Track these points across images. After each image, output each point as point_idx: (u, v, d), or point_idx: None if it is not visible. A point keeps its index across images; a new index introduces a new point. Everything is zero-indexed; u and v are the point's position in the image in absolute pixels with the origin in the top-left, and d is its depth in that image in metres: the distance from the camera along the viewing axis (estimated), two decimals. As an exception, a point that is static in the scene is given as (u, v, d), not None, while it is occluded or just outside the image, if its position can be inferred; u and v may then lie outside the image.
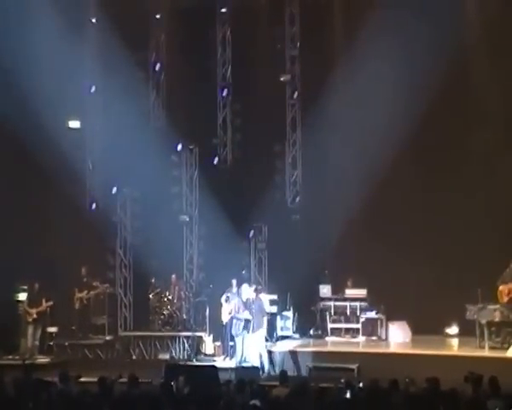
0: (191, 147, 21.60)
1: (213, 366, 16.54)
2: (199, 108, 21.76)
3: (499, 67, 20.06)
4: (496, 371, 12.46)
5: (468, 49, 20.45)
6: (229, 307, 18.53)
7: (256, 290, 18.22)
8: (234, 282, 19.06)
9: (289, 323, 20.54)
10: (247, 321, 17.90)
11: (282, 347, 18.81)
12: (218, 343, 19.19)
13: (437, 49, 20.25)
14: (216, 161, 22.16)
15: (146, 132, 21.02)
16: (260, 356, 17.59)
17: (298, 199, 22.52)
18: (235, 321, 18.08)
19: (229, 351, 18.66)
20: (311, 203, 22.20)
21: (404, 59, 20.06)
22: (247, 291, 18.30)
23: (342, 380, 12.70)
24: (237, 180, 21.79)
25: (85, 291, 20.53)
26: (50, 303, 19.00)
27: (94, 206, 20.78)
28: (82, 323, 20.29)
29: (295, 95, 22.61)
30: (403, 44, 19.86)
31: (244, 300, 18.17)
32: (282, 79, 22.64)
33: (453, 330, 20.17)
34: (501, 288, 19.04)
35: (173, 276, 21.11)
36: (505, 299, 18.90)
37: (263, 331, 17.92)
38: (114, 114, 20.87)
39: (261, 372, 16.76)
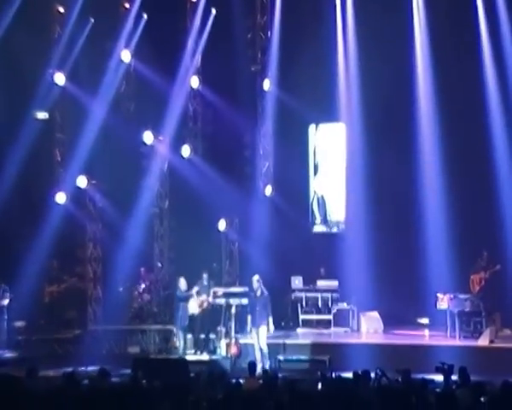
0: (161, 138, 21.47)
1: (183, 360, 16.49)
2: (169, 98, 21.57)
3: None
4: (467, 361, 12.58)
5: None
6: (200, 300, 18.56)
7: (259, 283, 17.76)
8: (205, 275, 19.03)
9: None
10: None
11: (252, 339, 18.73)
12: (189, 336, 19.08)
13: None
14: (186, 151, 21.98)
15: (115, 123, 20.81)
16: (260, 351, 17.38)
17: (269, 190, 22.44)
18: (180, 314, 18.04)
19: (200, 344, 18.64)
20: (282, 194, 22.19)
21: (376, 48, 20.12)
22: (183, 285, 18.34)
23: (313, 372, 12.72)
24: (208, 171, 21.66)
25: (56, 285, 20.39)
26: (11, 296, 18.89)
27: (63, 198, 20.54)
28: (51, 317, 20.15)
29: (267, 85, 22.49)
30: (376, 34, 19.93)
31: None
32: (253, 69, 22.55)
33: (425, 320, 20.23)
34: (472, 277, 19.22)
35: (142, 269, 21.03)
36: (476, 288, 19.10)
37: (265, 328, 17.49)
38: (83, 104, 20.66)
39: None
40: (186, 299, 18.35)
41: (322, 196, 22.85)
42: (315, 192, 22.91)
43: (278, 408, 9.33)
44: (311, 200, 22.86)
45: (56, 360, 16.91)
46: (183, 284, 18.42)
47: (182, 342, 18.10)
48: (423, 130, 20.84)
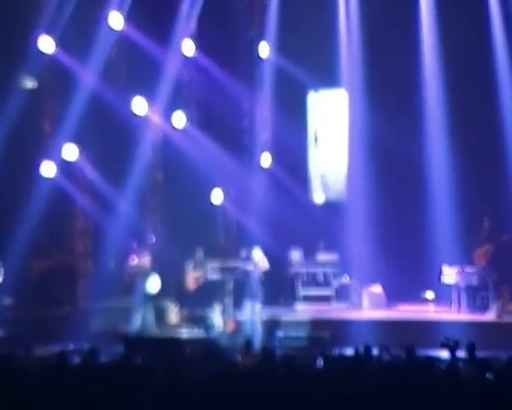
0: (154, 107, 21.34)
1: (177, 339, 16.48)
2: (163, 65, 21.42)
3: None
4: (473, 336, 12.57)
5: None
6: (196, 275, 18.54)
7: (256, 259, 17.75)
8: (200, 249, 18.99)
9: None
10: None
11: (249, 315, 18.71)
12: (185, 313, 19.07)
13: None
14: (181, 121, 21.84)
15: (106, 92, 20.67)
16: (254, 328, 17.39)
17: (267, 160, 22.35)
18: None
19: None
20: (281, 164, 22.12)
21: (380, 9, 20.04)
22: (146, 262, 18.35)
23: (313, 349, 12.69)
24: (204, 141, 21.57)
25: (44, 260, 20.33)
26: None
27: (52, 170, 20.43)
28: (40, 294, 20.08)
29: (265, 50, 22.33)
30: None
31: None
32: (250, 33, 22.41)
33: (430, 294, 20.21)
34: (477, 252, 19.14)
35: (135, 243, 20.96)
36: (482, 262, 19.02)
37: (260, 305, 17.55)
38: (73, 72, 20.52)
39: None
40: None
41: (322, 163, 22.76)
42: (314, 159, 22.82)
43: (276, 386, 9.30)
44: (309, 166, 22.77)
45: (46, 339, 16.85)
46: (145, 261, 18.38)
47: (138, 319, 18.07)
48: (429, 96, 20.74)
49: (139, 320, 17.88)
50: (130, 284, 20.43)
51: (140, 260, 18.52)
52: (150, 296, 18.17)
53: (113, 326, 19.15)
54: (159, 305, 19.09)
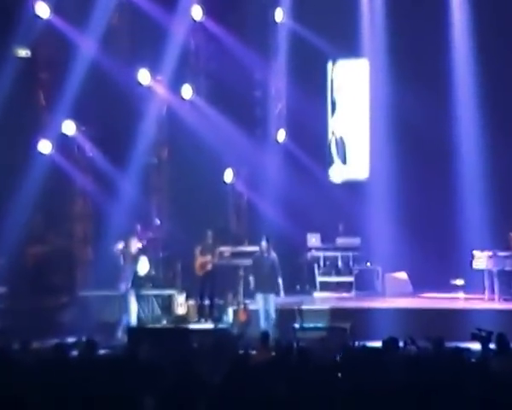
0: (159, 77, 21.34)
1: (185, 329, 16.54)
2: (168, 32, 21.39)
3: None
4: (507, 326, 12.56)
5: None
6: (204, 261, 18.55)
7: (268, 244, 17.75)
8: (209, 233, 19.01)
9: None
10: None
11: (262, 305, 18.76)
12: (192, 302, 19.11)
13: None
14: (188, 92, 21.85)
15: (107, 62, 20.64)
16: (268, 319, 17.44)
17: (282, 135, 22.35)
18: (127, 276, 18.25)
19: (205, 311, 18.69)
20: (297, 140, 22.12)
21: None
22: (135, 245, 18.41)
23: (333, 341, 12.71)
24: (213, 115, 21.57)
25: (40, 246, 20.40)
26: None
27: (48, 147, 20.48)
28: (35, 282, 20.16)
29: (279, 16, 22.28)
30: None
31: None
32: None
33: (459, 281, 20.21)
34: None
35: (138, 226, 21.00)
36: (517, 246, 19.04)
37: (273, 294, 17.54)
38: (70, 40, 20.50)
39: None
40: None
41: (342, 139, 22.77)
42: (333, 134, 22.84)
43: (292, 382, 9.32)
44: (328, 142, 22.79)
45: (42, 331, 16.92)
46: (133, 244, 18.43)
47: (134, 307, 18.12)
48: (457, 67, 20.69)
49: (136, 308, 17.94)
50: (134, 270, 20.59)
51: (126, 244, 18.49)
52: (139, 279, 18.21)
53: (114, 316, 19.28)
54: (158, 293, 19.22)
